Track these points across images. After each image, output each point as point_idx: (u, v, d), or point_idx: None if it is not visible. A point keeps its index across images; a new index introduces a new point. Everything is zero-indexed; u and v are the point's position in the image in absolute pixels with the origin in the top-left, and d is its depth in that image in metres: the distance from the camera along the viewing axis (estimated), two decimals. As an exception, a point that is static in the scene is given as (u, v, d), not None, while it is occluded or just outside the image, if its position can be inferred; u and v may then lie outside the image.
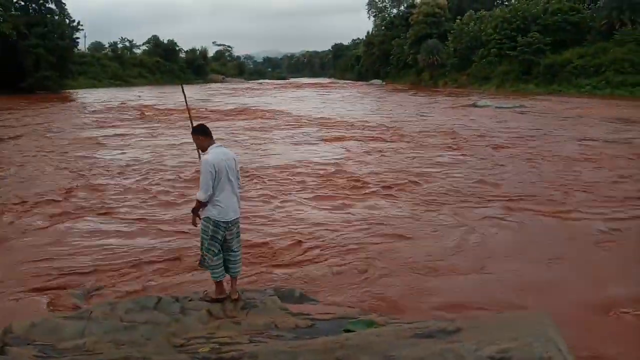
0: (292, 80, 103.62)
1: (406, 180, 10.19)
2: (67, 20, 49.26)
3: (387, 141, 15.68)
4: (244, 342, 3.58)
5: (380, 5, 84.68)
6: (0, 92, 38.59)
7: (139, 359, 2.85)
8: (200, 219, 4.31)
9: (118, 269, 5.69)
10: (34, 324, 3.79)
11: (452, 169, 11.45)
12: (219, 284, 4.48)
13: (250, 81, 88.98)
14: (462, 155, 13.26)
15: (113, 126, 20.04)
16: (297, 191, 9.43)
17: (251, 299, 4.62)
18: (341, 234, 6.89)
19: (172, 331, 3.69)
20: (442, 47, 56.16)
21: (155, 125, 20.36)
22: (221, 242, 4.35)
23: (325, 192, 9.31)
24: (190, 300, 4.43)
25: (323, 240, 6.64)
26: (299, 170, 11.34)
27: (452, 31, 55.16)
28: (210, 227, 4.25)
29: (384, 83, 67.92)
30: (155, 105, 31.09)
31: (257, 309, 4.43)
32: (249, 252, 6.08)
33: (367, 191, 9.39)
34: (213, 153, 4.20)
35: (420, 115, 24.02)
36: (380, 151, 13.86)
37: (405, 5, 79.24)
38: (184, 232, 6.74)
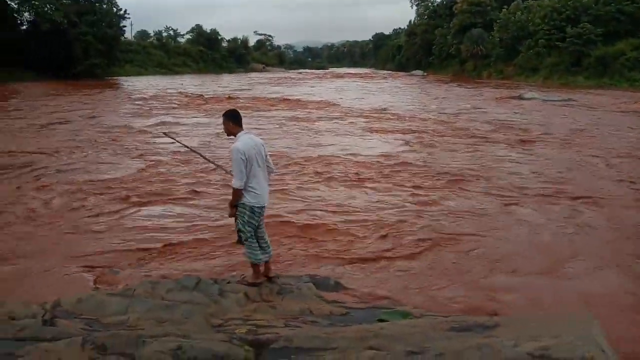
0: (331, 69, 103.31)
1: (471, 175, 9.73)
2: (115, 9, 50.77)
3: (442, 135, 15.00)
4: (280, 325, 3.64)
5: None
6: (51, 79, 40.49)
7: (179, 336, 2.93)
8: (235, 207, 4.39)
9: (182, 247, 5.91)
10: (81, 299, 3.98)
11: (519, 164, 10.90)
12: (256, 267, 4.58)
13: (290, 70, 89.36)
14: (524, 149, 12.66)
15: (163, 114, 20.45)
16: (358, 181, 9.24)
17: (287, 284, 4.69)
18: (408, 228, 6.72)
19: (210, 312, 3.79)
20: (487, 37, 54.58)
21: (202, 113, 20.68)
22: (255, 227, 4.47)
23: (390, 184, 9.07)
24: (228, 283, 4.54)
25: (389, 233, 6.53)
26: (356, 161, 11.00)
27: (498, 21, 53.41)
28: (247, 212, 4.35)
29: (426, 74, 66.73)
30: (202, 93, 31.51)
31: (292, 294, 4.49)
32: (327, 241, 6.20)
33: (430, 184, 9.08)
34: (242, 140, 4.27)
35: (469, 107, 23.13)
36: (431, 145, 13.26)
37: (449, -7, 77.21)
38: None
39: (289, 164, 10.54)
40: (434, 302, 4.64)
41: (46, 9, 40.48)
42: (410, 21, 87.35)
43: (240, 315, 3.91)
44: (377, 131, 15.81)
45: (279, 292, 4.52)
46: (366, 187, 8.89)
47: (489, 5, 58.75)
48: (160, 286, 4.20)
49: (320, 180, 9.41)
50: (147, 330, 3.21)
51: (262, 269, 4.63)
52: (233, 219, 4.47)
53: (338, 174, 9.84)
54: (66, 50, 42.09)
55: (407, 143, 13.56)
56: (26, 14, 43.66)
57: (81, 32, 43.17)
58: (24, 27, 44.79)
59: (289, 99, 27.42)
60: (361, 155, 11.77)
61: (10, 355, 3.07)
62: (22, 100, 24.69)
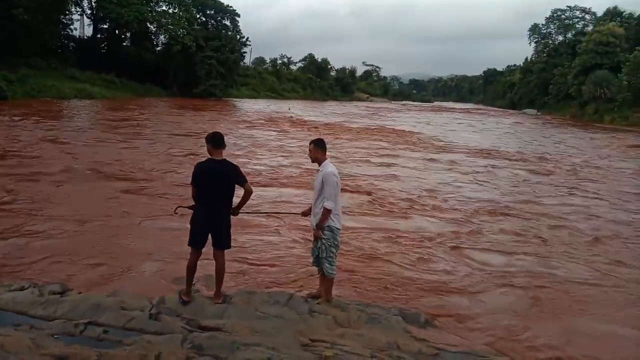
0: (436, 103, 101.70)
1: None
2: (238, 36, 55.03)
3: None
4: (366, 355, 3.58)
5: (545, 31, 78.85)
6: (176, 95, 44.91)
7: (270, 348, 3.01)
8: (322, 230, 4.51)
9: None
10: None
11: None
12: (332, 281, 4.66)
13: (393, 102, 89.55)
14: None
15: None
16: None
17: (375, 314, 4.60)
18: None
19: (299, 329, 3.84)
20: (613, 80, 50.35)
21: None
22: (338, 248, 4.62)
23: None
24: (317, 304, 4.58)
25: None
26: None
27: (627, 63, 49.07)
28: (334, 235, 4.51)
29: (539, 113, 63.16)
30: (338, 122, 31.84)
31: (380, 325, 4.40)
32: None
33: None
34: (331, 166, 4.54)
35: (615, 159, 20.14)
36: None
37: (573, 32, 72.88)
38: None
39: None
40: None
41: (179, 32, 44.98)
42: (526, 58, 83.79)
43: (328, 338, 3.91)
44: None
45: (367, 321, 4.46)
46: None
47: (618, 46, 54.38)
48: (255, 297, 4.36)
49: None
50: (241, 337, 3.33)
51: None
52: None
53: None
54: (192, 71, 46.31)
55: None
56: (162, 37, 49.02)
57: (206, 55, 47.22)
58: (159, 48, 50.31)
59: (408, 132, 26.55)
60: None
61: (119, 342, 3.37)
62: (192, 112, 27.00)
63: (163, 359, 2.98)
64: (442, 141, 23.53)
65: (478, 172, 15.07)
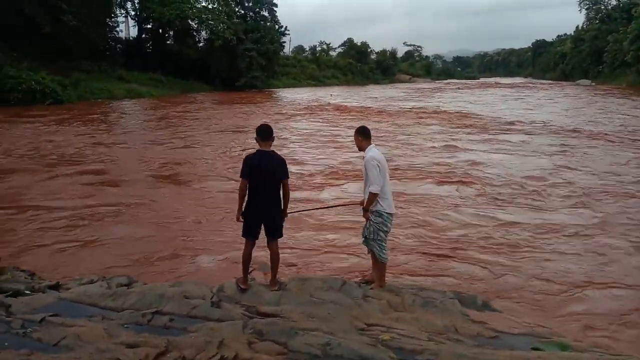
0: (482, 80, 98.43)
1: None
2: (277, 26, 55.26)
3: None
4: (423, 338, 3.58)
5: (597, -4, 74.46)
6: (219, 90, 45.73)
7: (328, 333, 3.07)
8: (370, 213, 4.53)
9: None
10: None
11: None
12: (384, 267, 4.67)
13: (437, 81, 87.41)
14: None
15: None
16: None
17: (430, 298, 4.58)
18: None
19: (354, 314, 3.88)
20: (675, 42, 46.95)
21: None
22: (387, 233, 4.64)
23: None
24: (371, 289, 4.61)
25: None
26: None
27: (691, 22, 45.66)
28: (383, 220, 4.53)
29: (594, 83, 59.91)
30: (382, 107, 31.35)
31: (436, 309, 4.38)
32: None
33: None
34: (374, 151, 4.58)
35: None
36: None
37: (628, -6, 68.35)
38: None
39: None
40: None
41: (220, 27, 45.67)
42: (577, 26, 79.41)
43: (383, 322, 3.93)
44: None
45: (422, 304, 4.45)
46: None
47: (680, 5, 50.56)
48: (309, 283, 4.44)
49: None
50: (299, 322, 3.41)
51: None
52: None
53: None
54: (233, 65, 47.01)
55: None
56: (203, 33, 49.93)
57: (247, 48, 47.73)
58: (201, 44, 51.35)
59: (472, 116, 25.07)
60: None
61: (184, 330, 3.53)
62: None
63: (226, 344, 3.10)
64: (501, 120, 22.53)
65: (565, 153, 14.08)
